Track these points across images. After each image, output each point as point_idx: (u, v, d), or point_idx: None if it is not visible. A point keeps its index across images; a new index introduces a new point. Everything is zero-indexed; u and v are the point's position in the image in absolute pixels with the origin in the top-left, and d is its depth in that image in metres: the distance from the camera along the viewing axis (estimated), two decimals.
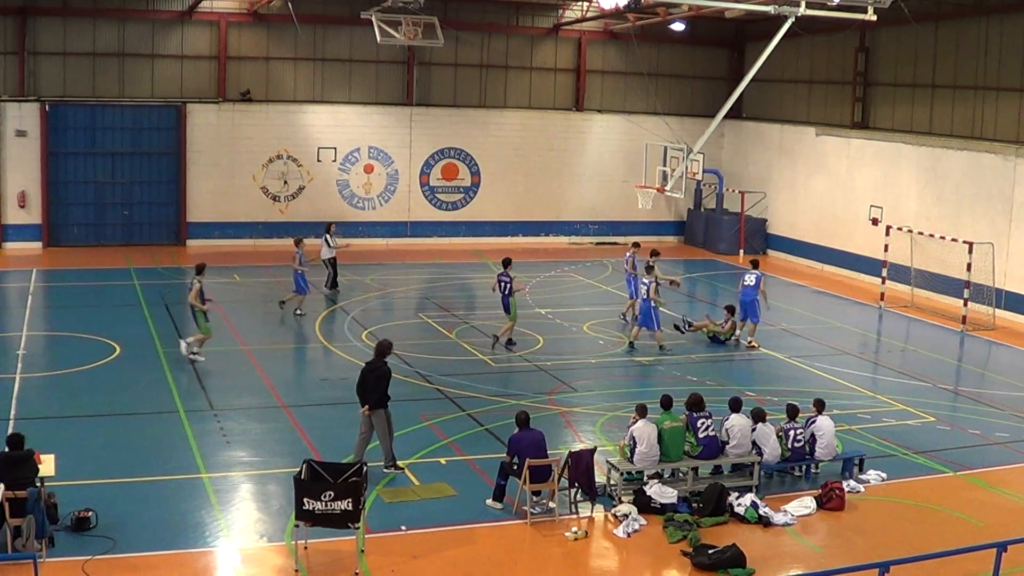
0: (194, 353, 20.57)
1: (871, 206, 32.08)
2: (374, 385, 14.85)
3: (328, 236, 27.31)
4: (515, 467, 13.84)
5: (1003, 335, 25.80)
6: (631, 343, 22.72)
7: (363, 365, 15.34)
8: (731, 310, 23.79)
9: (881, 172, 32.05)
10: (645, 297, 22.54)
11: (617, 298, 25.75)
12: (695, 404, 15.00)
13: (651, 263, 23.34)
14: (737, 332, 23.57)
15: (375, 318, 25.02)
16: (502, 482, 14.02)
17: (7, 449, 12.55)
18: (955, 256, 27.46)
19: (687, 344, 23.26)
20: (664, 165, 32.04)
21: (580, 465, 13.86)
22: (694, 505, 14.15)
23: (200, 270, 20.94)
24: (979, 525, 14.03)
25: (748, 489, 14.59)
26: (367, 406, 14.84)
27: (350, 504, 12.00)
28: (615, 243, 37.56)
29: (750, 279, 23.63)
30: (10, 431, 13.84)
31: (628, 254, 25.44)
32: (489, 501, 14.07)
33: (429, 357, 21.52)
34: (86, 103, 32.65)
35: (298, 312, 24.91)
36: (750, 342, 23.28)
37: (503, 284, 22.46)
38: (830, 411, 16.20)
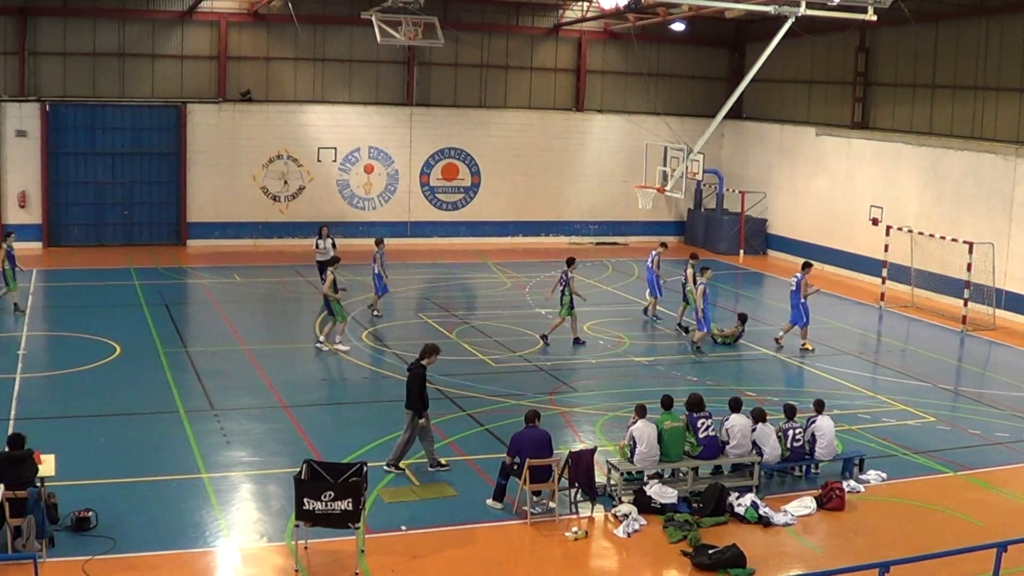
0: (336, 343, 21.67)
1: (871, 206, 32.08)
2: (408, 387, 15.07)
3: (320, 240, 26.42)
4: (516, 467, 13.84)
5: (1003, 335, 25.80)
6: (698, 347, 22.76)
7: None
8: (742, 318, 23.80)
9: (881, 172, 32.05)
10: (703, 298, 22.69)
11: (618, 298, 25.78)
12: (695, 404, 15.00)
13: (704, 265, 23.68)
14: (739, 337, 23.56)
15: (375, 318, 25.00)
16: (502, 482, 14.02)
17: (7, 449, 12.55)
18: (955, 256, 27.46)
19: (687, 344, 23.25)
20: (664, 165, 32.06)
21: (580, 465, 13.87)
22: (694, 505, 14.15)
23: (334, 262, 22.20)
24: (979, 525, 14.03)
25: (748, 489, 14.59)
26: (412, 412, 14.98)
27: (350, 504, 12.00)
28: (615, 243, 37.58)
29: (792, 281, 23.70)
30: (10, 431, 13.85)
31: (654, 252, 25.69)
32: (489, 501, 14.07)
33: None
34: (86, 103, 32.66)
35: (376, 313, 24.88)
36: (803, 345, 23.13)
37: (562, 281, 22.98)
38: (830, 411, 16.20)
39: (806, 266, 23.84)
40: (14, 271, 24.09)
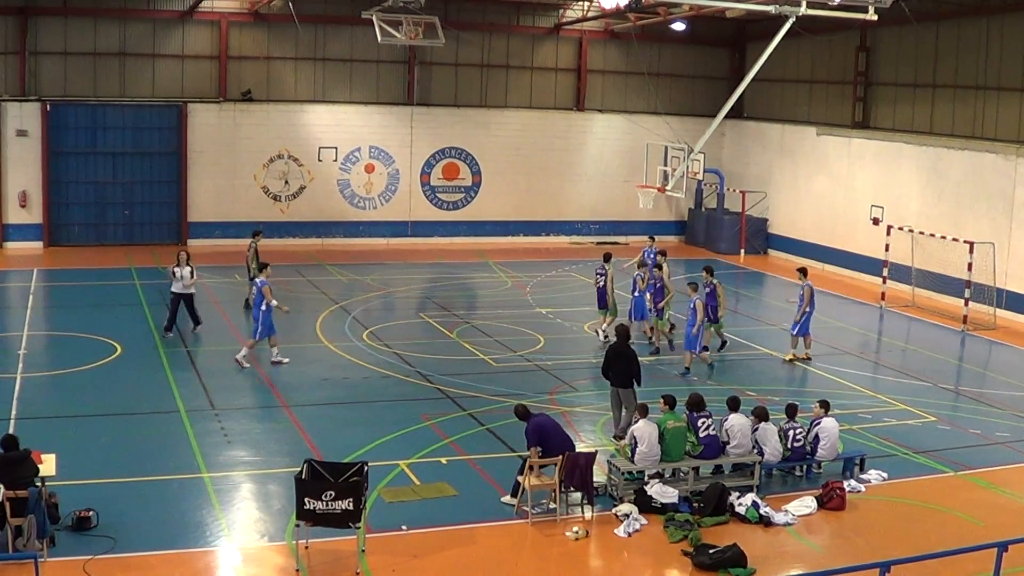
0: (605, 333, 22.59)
1: (872, 206, 32.07)
2: (625, 367, 16.47)
3: (178, 267, 22.28)
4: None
5: (1004, 335, 25.79)
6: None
7: (607, 350, 17.15)
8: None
9: (882, 172, 32.04)
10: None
11: (618, 298, 25.45)
12: (695, 404, 15.00)
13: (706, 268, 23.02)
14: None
15: (376, 318, 25.02)
16: (521, 477, 13.98)
17: (2, 450, 12.52)
18: (956, 256, 27.46)
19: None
20: (665, 165, 32.07)
21: (575, 468, 13.77)
22: (695, 505, 14.14)
23: (609, 258, 23.21)
24: (980, 525, 14.03)
25: (749, 489, 14.59)
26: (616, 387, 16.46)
27: (351, 504, 12.00)
28: (616, 243, 37.57)
29: (801, 293, 22.49)
30: (11, 431, 13.87)
31: (637, 273, 23.58)
32: (505, 498, 14.07)
33: (430, 357, 21.52)
34: (87, 103, 32.66)
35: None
36: (805, 354, 22.32)
37: (599, 278, 22.99)
38: (831, 411, 16.18)
39: (805, 272, 22.90)
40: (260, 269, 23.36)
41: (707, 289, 22.17)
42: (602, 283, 23.17)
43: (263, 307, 20.34)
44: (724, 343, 22.75)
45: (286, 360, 20.77)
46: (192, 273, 22.28)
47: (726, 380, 20.48)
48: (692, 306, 20.75)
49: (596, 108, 38.23)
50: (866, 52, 33.43)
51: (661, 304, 22.54)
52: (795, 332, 22.40)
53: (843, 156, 33.73)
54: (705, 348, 21.66)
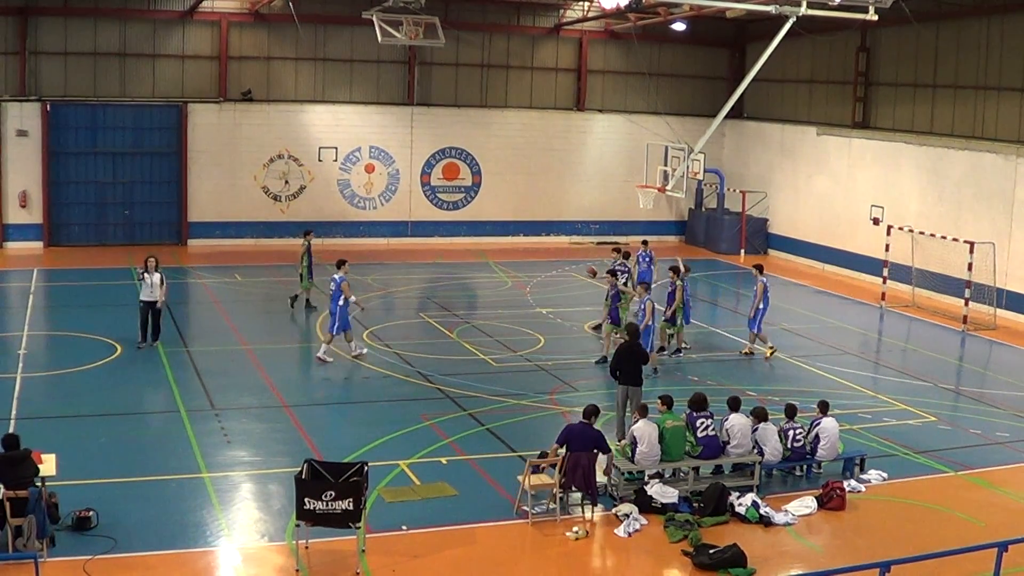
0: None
1: (872, 206, 32.07)
2: (633, 365, 16.38)
3: (147, 272, 21.15)
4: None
5: (1004, 335, 25.79)
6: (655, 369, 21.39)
7: (617, 348, 17.10)
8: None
9: (882, 172, 32.04)
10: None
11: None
12: (697, 403, 14.98)
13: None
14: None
15: (376, 318, 25.01)
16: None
17: (2, 450, 12.53)
18: (956, 256, 27.46)
19: (687, 345, 23.19)
20: (665, 165, 32.04)
21: (578, 468, 13.76)
22: (695, 505, 14.14)
23: (760, 270, 22.83)
24: (980, 525, 14.03)
25: (749, 489, 14.59)
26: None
27: (351, 504, 12.00)
28: (616, 243, 37.52)
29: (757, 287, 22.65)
30: (11, 431, 13.87)
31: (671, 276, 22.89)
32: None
33: (430, 357, 21.52)
34: (87, 103, 32.66)
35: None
36: (748, 348, 22.62)
37: (622, 275, 22.99)
38: (831, 411, 16.18)
39: (761, 269, 22.96)
40: (311, 268, 24.99)
41: (668, 289, 22.15)
42: (625, 281, 22.81)
43: (340, 302, 20.81)
44: (679, 350, 22.41)
45: (365, 351, 21.36)
46: (162, 281, 21.14)
47: (726, 380, 20.48)
48: (642, 306, 20.57)
49: (596, 108, 38.23)
50: (866, 52, 33.43)
51: (671, 310, 22.21)
52: (753, 329, 22.55)
53: (843, 156, 33.73)
54: (662, 349, 21.84)
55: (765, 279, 22.65)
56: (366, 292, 27.83)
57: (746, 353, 22.61)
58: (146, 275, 21.12)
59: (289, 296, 25.55)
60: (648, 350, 20.32)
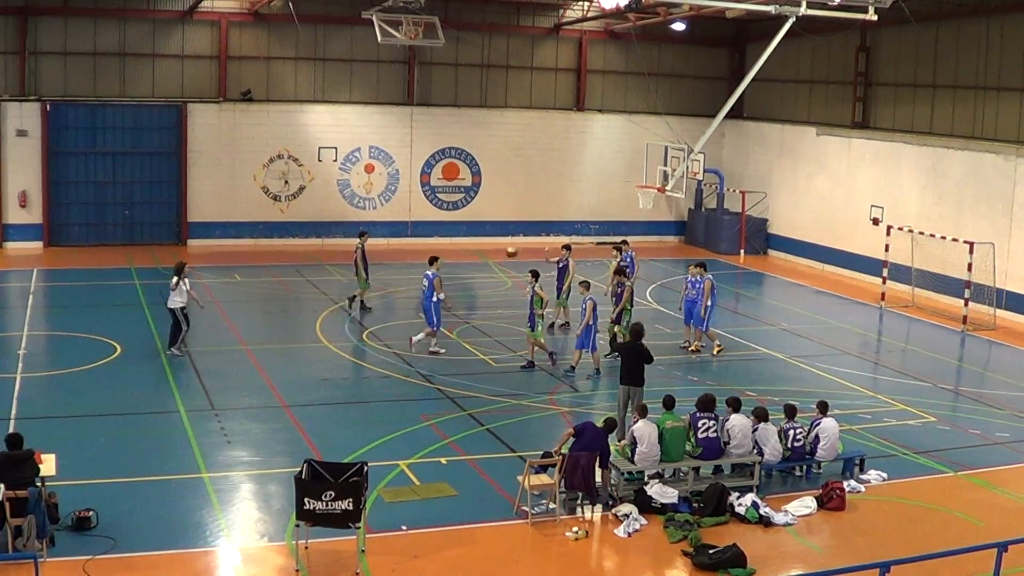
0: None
1: (872, 206, 32.06)
2: (633, 364, 16.28)
3: (179, 278, 20.80)
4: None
5: (1004, 335, 25.79)
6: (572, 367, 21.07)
7: (621, 349, 17.05)
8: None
9: (882, 172, 32.04)
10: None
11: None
12: (703, 405, 14.92)
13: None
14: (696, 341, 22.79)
15: (376, 318, 25.01)
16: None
17: (6, 449, 12.55)
18: (956, 256, 27.45)
19: (687, 344, 23.18)
20: (665, 165, 32.02)
21: (577, 469, 13.77)
22: (695, 505, 14.14)
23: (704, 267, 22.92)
24: (980, 525, 14.04)
25: (749, 489, 14.59)
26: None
27: (351, 504, 12.00)
28: (615, 243, 37.48)
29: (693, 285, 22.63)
30: (11, 431, 13.86)
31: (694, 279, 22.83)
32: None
33: (430, 357, 21.51)
34: (87, 103, 32.65)
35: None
36: (695, 346, 22.59)
37: (628, 271, 23.03)
38: (831, 411, 16.19)
39: (704, 266, 22.97)
40: (367, 269, 25.27)
41: (619, 289, 22.02)
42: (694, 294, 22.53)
43: (434, 299, 21.55)
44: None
45: (443, 351, 21.74)
46: (188, 288, 20.82)
47: (726, 380, 20.48)
48: (584, 305, 20.52)
49: (596, 108, 38.23)
50: (866, 52, 33.43)
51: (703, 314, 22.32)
52: (702, 327, 22.48)
53: (843, 156, 33.73)
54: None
55: (711, 276, 22.69)
56: (366, 292, 27.84)
57: (693, 351, 22.49)
58: (178, 279, 20.65)
59: (347, 296, 25.85)
60: (592, 350, 20.65)
